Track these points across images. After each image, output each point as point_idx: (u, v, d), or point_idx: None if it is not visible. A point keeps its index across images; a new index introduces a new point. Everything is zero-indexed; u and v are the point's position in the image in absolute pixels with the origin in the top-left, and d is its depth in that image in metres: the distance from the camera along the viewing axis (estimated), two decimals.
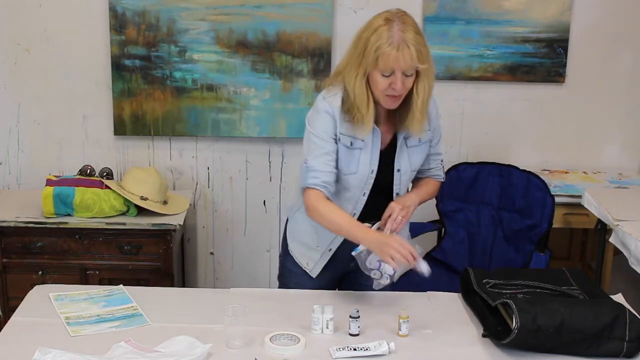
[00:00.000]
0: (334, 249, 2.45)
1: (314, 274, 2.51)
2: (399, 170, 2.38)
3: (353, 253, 2.30)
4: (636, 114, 3.85)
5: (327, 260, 2.48)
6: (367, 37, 2.19)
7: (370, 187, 2.37)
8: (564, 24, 3.68)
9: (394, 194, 2.40)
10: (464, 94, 3.78)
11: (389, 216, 2.33)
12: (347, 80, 2.26)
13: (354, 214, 2.39)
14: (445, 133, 3.69)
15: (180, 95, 3.67)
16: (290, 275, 2.60)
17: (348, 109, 2.28)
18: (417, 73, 2.23)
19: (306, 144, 2.35)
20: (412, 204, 2.38)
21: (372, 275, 2.30)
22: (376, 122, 2.32)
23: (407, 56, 2.16)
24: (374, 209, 2.37)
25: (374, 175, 2.36)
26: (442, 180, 2.58)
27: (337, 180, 2.35)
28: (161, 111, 3.68)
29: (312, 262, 2.50)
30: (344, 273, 2.54)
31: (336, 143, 2.31)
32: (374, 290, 2.48)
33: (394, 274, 2.28)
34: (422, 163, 2.45)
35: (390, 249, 2.16)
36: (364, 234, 2.26)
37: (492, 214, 3.43)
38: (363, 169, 2.34)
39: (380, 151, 2.36)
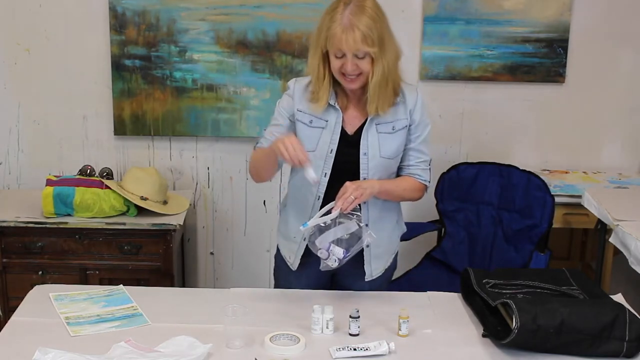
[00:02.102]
0: (307, 238, 2.42)
1: (294, 266, 2.51)
2: (365, 154, 2.37)
3: (301, 227, 2.28)
4: (636, 114, 3.85)
5: (303, 251, 2.46)
6: (324, 17, 2.29)
7: (330, 167, 2.37)
8: (564, 24, 3.68)
9: (361, 179, 2.37)
10: (464, 94, 3.78)
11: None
12: (308, 58, 2.37)
13: (318, 196, 2.39)
14: (445, 133, 3.75)
15: (180, 95, 3.67)
16: (279, 270, 2.63)
17: (312, 90, 2.38)
18: (374, 57, 2.26)
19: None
20: (370, 187, 2.31)
21: (318, 254, 2.26)
22: (343, 105, 2.38)
23: (351, 39, 2.21)
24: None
25: (333, 155, 2.36)
26: (425, 183, 2.49)
27: None
28: (161, 111, 3.68)
29: (292, 254, 2.51)
30: (332, 274, 2.54)
31: (290, 121, 2.42)
32: (369, 289, 2.48)
33: (343, 257, 2.25)
34: (397, 154, 2.42)
35: (281, 145, 2.19)
36: (270, 144, 2.34)
37: (492, 214, 3.43)
38: (322, 148, 2.37)
39: (349, 135, 2.38)
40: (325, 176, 2.38)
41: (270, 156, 2.32)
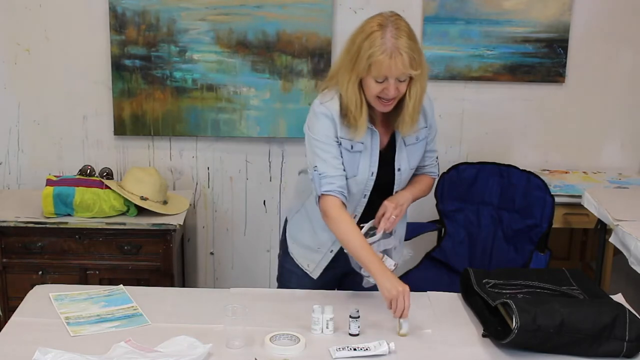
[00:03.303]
0: (335, 250, 2.45)
1: (315, 275, 2.51)
2: (399, 170, 2.38)
3: (346, 250, 2.31)
4: (636, 114, 3.85)
5: (328, 261, 2.48)
6: (360, 43, 2.18)
7: (370, 189, 2.36)
8: (564, 24, 3.68)
9: (394, 193, 2.40)
10: (464, 94, 3.78)
11: (383, 215, 2.33)
12: (340, 84, 2.25)
13: (355, 215, 2.39)
14: (445, 133, 3.75)
15: (180, 95, 3.67)
16: (290, 276, 2.60)
17: (345, 113, 2.27)
18: (411, 77, 2.22)
19: (310, 152, 2.33)
20: (406, 201, 2.37)
21: (362, 272, 2.31)
22: (373, 123, 2.32)
23: (400, 64, 2.15)
24: (374, 209, 2.37)
25: (374, 178, 2.35)
26: (436, 177, 2.57)
27: None
28: (161, 111, 3.68)
29: (313, 263, 2.50)
30: (344, 273, 2.55)
31: (339, 147, 2.30)
32: (369, 289, 2.49)
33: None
34: (419, 162, 2.46)
35: (392, 299, 2.15)
36: (381, 273, 2.20)
37: (492, 214, 3.43)
38: (363, 172, 2.33)
39: (382, 153, 2.36)
40: (364, 197, 2.38)
41: (361, 260, 2.25)
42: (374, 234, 2.32)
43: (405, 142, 2.37)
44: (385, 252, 2.33)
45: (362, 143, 2.31)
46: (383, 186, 2.38)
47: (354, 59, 2.19)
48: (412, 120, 2.29)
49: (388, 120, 2.35)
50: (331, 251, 2.46)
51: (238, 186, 3.85)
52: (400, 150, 2.37)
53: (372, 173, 2.35)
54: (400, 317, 2.17)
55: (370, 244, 2.28)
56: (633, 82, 3.81)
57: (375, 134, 2.32)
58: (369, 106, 2.28)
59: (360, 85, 2.23)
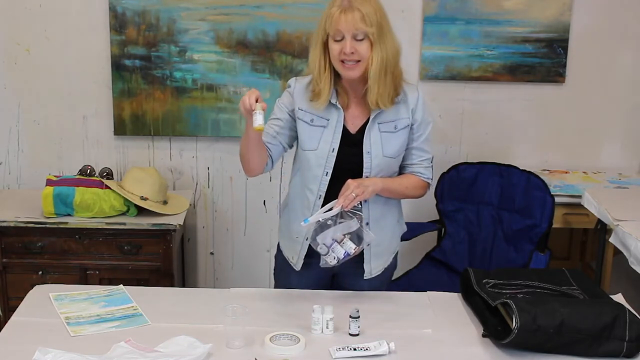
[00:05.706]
0: (309, 234, 2.42)
1: (297, 267, 2.51)
2: (368, 153, 2.37)
3: (302, 223, 2.28)
4: (636, 114, 3.85)
5: (306, 251, 2.47)
6: (327, 7, 2.32)
7: (332, 166, 2.37)
8: (564, 24, 3.68)
9: (364, 177, 2.38)
10: (464, 94, 3.78)
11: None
12: (310, 53, 2.38)
13: (320, 195, 2.39)
14: (445, 133, 3.75)
15: (180, 95, 3.67)
16: (280, 271, 2.63)
17: (313, 87, 2.38)
18: (371, 43, 2.27)
19: None
20: (372, 184, 2.33)
21: (318, 250, 2.28)
22: (344, 104, 2.38)
23: (350, 18, 2.24)
24: None
25: (334, 154, 2.37)
26: (428, 180, 2.51)
27: (300, 157, 2.45)
28: (161, 111, 3.68)
29: (295, 254, 2.51)
30: (332, 274, 2.55)
31: (290, 116, 2.43)
32: (369, 289, 2.49)
33: (344, 257, 2.26)
34: (399, 152, 2.43)
35: (241, 102, 2.20)
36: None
37: (492, 214, 3.43)
38: (323, 146, 2.37)
39: (352, 134, 2.38)
40: (326, 175, 2.38)
41: (247, 130, 2.32)
42: (331, 210, 2.28)
43: (380, 127, 2.38)
44: (349, 236, 2.28)
45: (328, 120, 2.38)
46: (352, 169, 2.37)
47: (319, 22, 2.32)
48: (377, 89, 2.30)
49: (364, 102, 2.37)
50: (306, 239, 2.44)
51: (238, 186, 3.85)
52: (372, 133, 2.37)
53: (333, 149, 2.37)
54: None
55: (328, 219, 2.26)
56: (633, 82, 3.81)
57: (340, 111, 2.37)
58: (341, 84, 2.36)
59: (326, 52, 2.32)
